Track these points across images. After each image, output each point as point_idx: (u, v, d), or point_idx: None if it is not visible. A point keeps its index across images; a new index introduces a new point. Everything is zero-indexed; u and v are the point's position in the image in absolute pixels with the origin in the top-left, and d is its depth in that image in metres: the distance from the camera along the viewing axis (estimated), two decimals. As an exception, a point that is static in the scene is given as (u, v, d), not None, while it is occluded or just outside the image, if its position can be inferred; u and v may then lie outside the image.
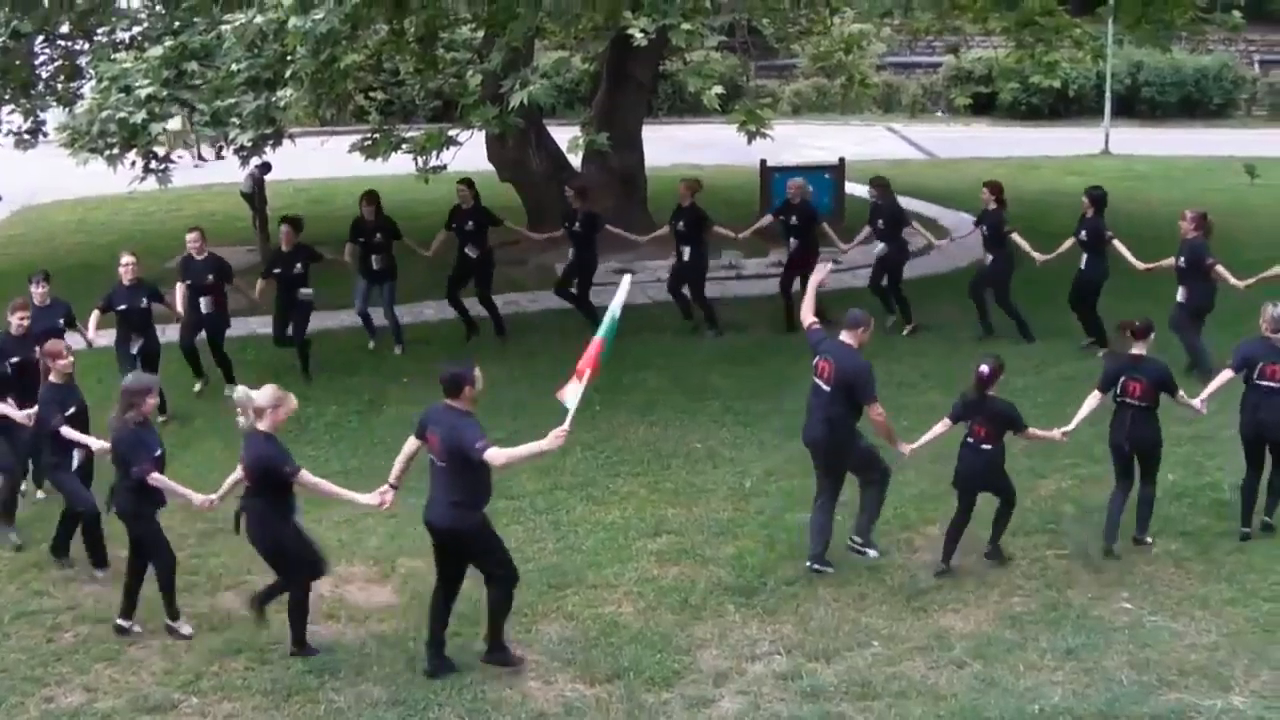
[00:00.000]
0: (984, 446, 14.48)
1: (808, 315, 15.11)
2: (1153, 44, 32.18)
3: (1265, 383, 15.09)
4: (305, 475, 12.78)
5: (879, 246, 22.92)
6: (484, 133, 22.45)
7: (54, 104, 25.88)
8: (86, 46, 25.52)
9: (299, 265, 20.93)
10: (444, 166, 20.98)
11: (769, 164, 29.92)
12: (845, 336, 14.52)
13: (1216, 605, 13.76)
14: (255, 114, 19.51)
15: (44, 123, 26.50)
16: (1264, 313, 15.47)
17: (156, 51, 20.53)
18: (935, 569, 14.54)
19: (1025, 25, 28.54)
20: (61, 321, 17.58)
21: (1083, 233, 21.67)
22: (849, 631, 13.34)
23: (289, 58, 18.24)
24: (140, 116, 19.84)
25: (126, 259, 19.18)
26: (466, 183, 22.64)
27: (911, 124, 49.37)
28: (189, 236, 20.32)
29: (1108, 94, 45.15)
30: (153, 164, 22.07)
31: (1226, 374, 15.46)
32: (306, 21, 17.26)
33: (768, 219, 23.79)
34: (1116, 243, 21.36)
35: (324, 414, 19.54)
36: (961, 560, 14.70)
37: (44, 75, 26.19)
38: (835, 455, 14.63)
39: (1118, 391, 14.98)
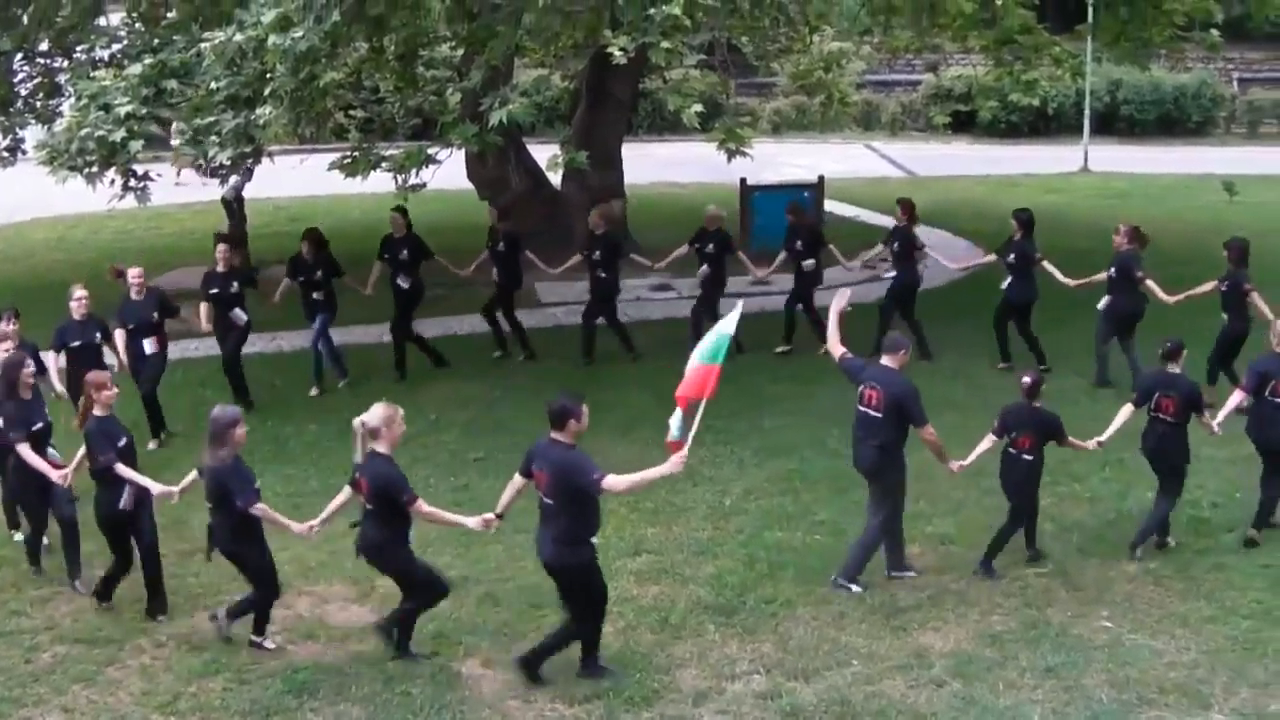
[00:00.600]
0: (1025, 456, 14.78)
1: (836, 346, 15.14)
2: (1132, 62, 32.29)
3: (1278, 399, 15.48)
4: (422, 504, 12.80)
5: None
6: (463, 151, 22.44)
7: (33, 121, 25.80)
8: (66, 64, 25.46)
9: (235, 285, 20.55)
10: (424, 185, 20.97)
11: (749, 182, 29.95)
12: (887, 360, 14.66)
13: (1196, 623, 13.79)
14: (235, 132, 19.47)
15: (23, 140, 26.43)
16: (1275, 328, 15.73)
17: (136, 69, 20.50)
18: (973, 569, 14.91)
19: (1004, 43, 28.61)
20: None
21: (1010, 255, 21.88)
22: (828, 650, 13.33)
23: (268, 75, 18.20)
24: (119, 134, 19.79)
25: (79, 293, 18.45)
26: (400, 211, 22.23)
27: (891, 142, 49.45)
28: (131, 273, 19.47)
29: (1087, 112, 45.26)
30: (131, 182, 22.02)
31: (1238, 396, 15.80)
32: (286, 39, 17.25)
33: (684, 249, 23.57)
34: (1046, 264, 21.64)
35: (303, 434, 19.51)
36: (940, 579, 14.73)
37: (23, 93, 26.11)
38: (891, 477, 14.69)
39: (1151, 406, 15.30)
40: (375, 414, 12.78)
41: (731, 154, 20.80)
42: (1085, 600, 14.29)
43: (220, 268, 20.49)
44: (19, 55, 25.53)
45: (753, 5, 22.16)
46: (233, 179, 25.89)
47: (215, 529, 13.28)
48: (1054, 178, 41.82)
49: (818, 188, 30.69)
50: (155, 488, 13.68)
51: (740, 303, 13.26)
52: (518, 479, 12.90)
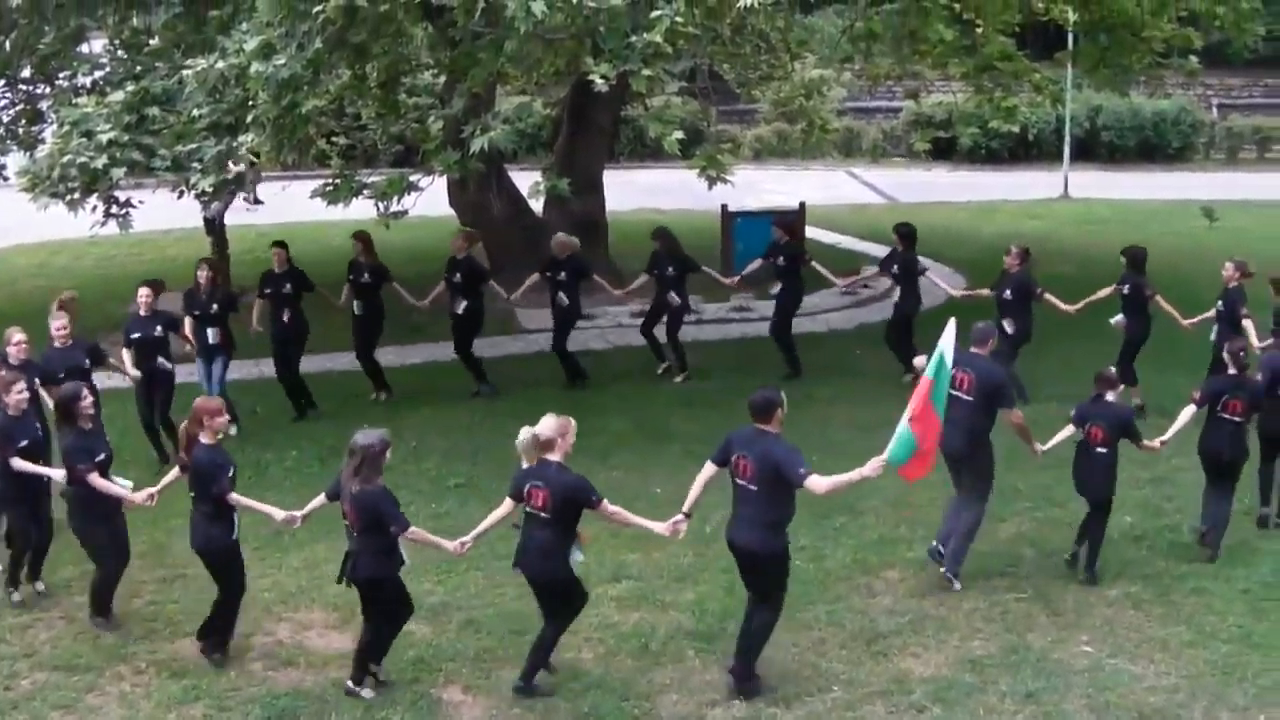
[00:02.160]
0: (1099, 450, 15.19)
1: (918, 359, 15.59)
2: (1111, 88, 32.40)
3: None
4: (607, 505, 12.89)
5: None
6: (445, 177, 22.44)
7: (15, 148, 25.77)
8: (48, 91, 25.46)
9: (159, 329, 19.45)
10: (405, 212, 20.97)
11: (730, 209, 29.99)
12: (976, 349, 15.27)
13: (1176, 648, 13.85)
14: (216, 159, 19.49)
15: (4, 167, 26.44)
16: (1230, 347, 16.36)
17: (118, 96, 20.54)
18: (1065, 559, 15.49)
19: (984, 70, 28.66)
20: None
21: (894, 267, 22.59)
22: (809, 676, 13.37)
23: (250, 103, 18.22)
24: (101, 161, 19.81)
25: (18, 337, 17.27)
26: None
27: (872, 168, 49.49)
28: (55, 325, 18.00)
29: (1067, 138, 45.34)
30: (113, 209, 22.02)
31: (1190, 410, 16.15)
32: (268, 67, 17.26)
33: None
34: (931, 274, 22.68)
35: (284, 459, 19.51)
36: (920, 603, 14.76)
37: (5, 119, 26.10)
38: (980, 460, 15.32)
39: (1218, 407, 15.82)
40: (548, 425, 12.81)
41: (713, 181, 20.83)
42: (1065, 625, 14.34)
43: (143, 311, 19.39)
44: (1, 82, 25.51)
45: (734, 32, 22.19)
46: (214, 205, 25.85)
47: (359, 555, 13.00)
48: (1034, 204, 41.93)
49: (799, 214, 30.71)
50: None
51: (953, 320, 13.69)
52: (710, 468, 13.24)
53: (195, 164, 19.64)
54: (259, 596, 15.06)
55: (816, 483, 12.49)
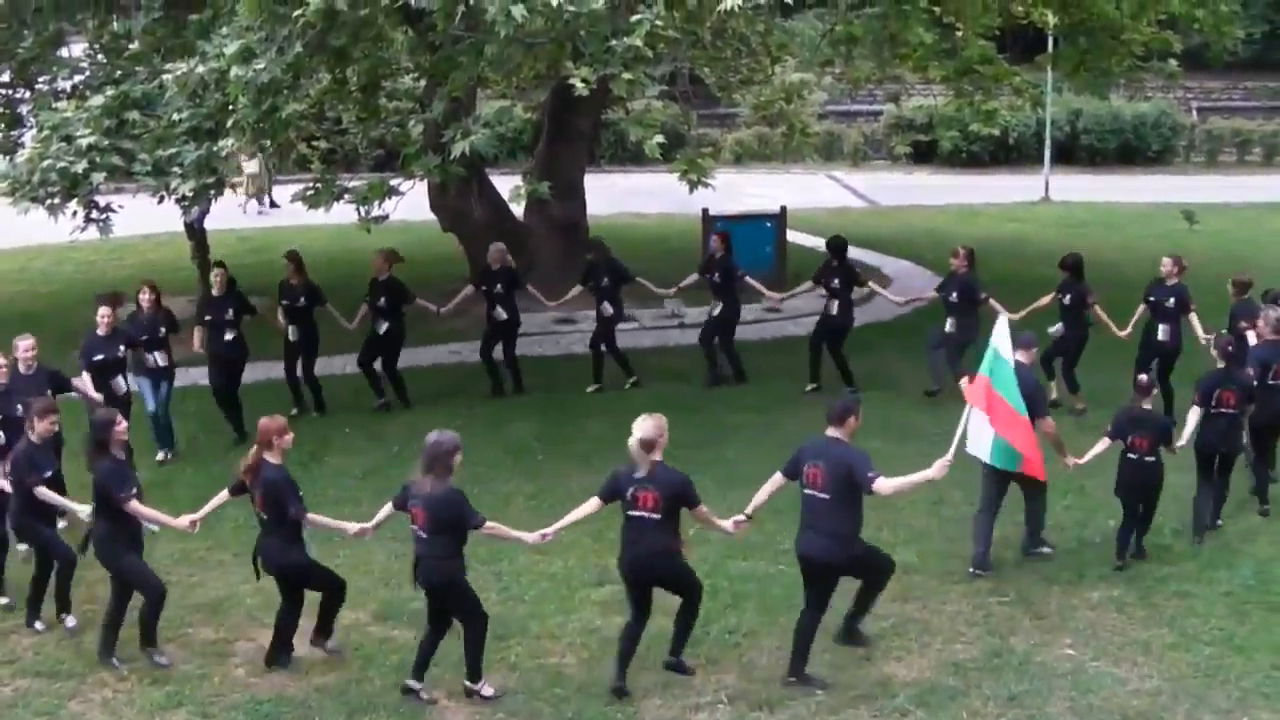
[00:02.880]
0: (1147, 459, 15.60)
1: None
2: (1091, 92, 32.49)
3: None
4: (703, 507, 13.19)
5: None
6: (426, 182, 22.40)
7: (-6, 153, 25.72)
8: (27, 95, 25.36)
9: (120, 350, 19.04)
10: (386, 216, 20.92)
11: (711, 213, 29.99)
12: (1021, 357, 15.34)
13: (1158, 650, 13.87)
14: (197, 163, 19.43)
15: (-16, 172, 26.35)
16: (1216, 342, 16.90)
17: (98, 101, 20.44)
18: (1114, 565, 15.70)
19: (965, 74, 28.74)
20: None
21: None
22: (792, 680, 13.34)
23: (231, 107, 18.18)
24: (81, 166, 19.70)
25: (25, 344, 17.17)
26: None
27: (853, 172, 49.53)
28: (21, 344, 17.12)
29: (1047, 141, 45.39)
30: (94, 214, 21.93)
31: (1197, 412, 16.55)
32: (248, 71, 17.23)
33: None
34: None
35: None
36: (903, 608, 14.76)
37: (-16, 124, 26.05)
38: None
39: (1213, 403, 16.18)
40: (647, 426, 12.94)
41: (694, 184, 20.81)
42: (1048, 628, 14.35)
43: (101, 331, 18.92)
44: (-20, 86, 25.47)
45: (714, 36, 22.15)
46: (194, 209, 25.75)
47: (428, 559, 12.96)
48: (1015, 207, 41.99)
49: (780, 218, 30.72)
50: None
51: (1004, 316, 14.87)
52: (778, 479, 13.48)
53: (175, 168, 19.56)
54: (242, 602, 15.04)
55: (883, 485, 12.83)
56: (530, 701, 13.08)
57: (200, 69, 18.06)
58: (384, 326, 22.11)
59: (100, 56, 24.07)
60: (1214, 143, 51.53)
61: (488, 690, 13.16)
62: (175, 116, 19.51)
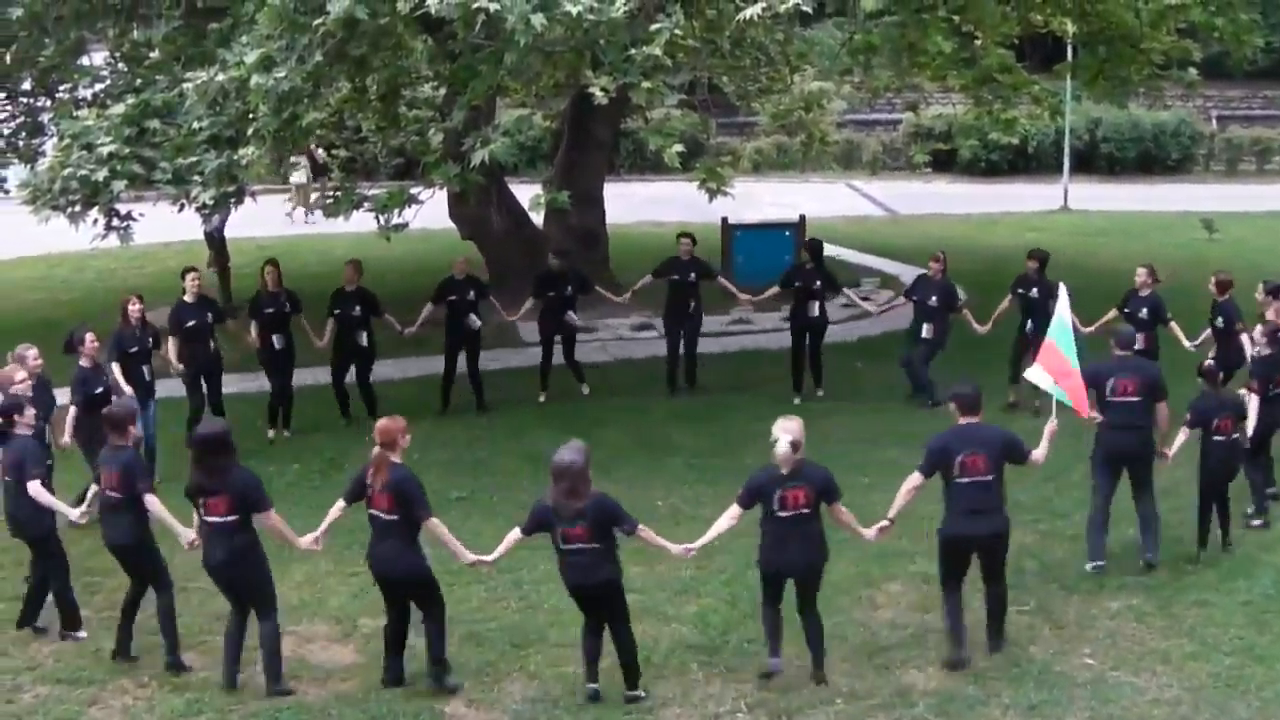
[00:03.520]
0: (1234, 436, 16.05)
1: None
2: (1111, 100, 32.46)
3: None
4: (840, 505, 13.47)
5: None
6: (445, 190, 22.44)
7: (15, 161, 25.81)
8: (48, 103, 25.48)
9: (101, 387, 17.97)
10: (406, 224, 20.96)
11: (730, 221, 30.00)
12: (1124, 352, 16.20)
13: (1178, 660, 13.82)
14: (217, 171, 19.47)
15: (4, 180, 26.44)
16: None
17: (119, 109, 20.50)
18: (1198, 557, 16.11)
19: (984, 82, 28.75)
20: None
21: (816, 283, 22.90)
22: (812, 689, 13.33)
23: (251, 115, 18.22)
24: (102, 174, 19.76)
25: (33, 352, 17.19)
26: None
27: (872, 181, 49.51)
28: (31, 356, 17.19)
29: (1066, 150, 45.35)
30: (114, 221, 22.02)
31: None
32: (268, 80, 17.27)
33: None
34: (848, 291, 23.84)
35: (285, 473, 19.49)
36: (923, 617, 14.75)
37: (5, 132, 26.14)
38: (1148, 459, 16.06)
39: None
40: (793, 427, 13.10)
41: (713, 193, 20.84)
42: (1067, 638, 14.31)
43: (85, 362, 18.27)
44: (1, 95, 25.52)
45: (734, 45, 22.18)
46: (214, 218, 25.78)
47: (584, 567, 13.03)
48: (1034, 216, 41.95)
49: (799, 227, 30.74)
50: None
51: (1063, 286, 15.64)
52: (917, 478, 13.85)
53: (196, 177, 19.61)
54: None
55: (1036, 455, 13.98)
56: (550, 709, 13.08)
57: (221, 77, 18.10)
58: (364, 337, 21.95)
59: (121, 65, 24.16)
60: (1234, 151, 51.39)
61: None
62: (196, 125, 19.58)
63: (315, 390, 22.44)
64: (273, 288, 21.42)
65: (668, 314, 23.29)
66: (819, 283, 22.47)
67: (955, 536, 13.76)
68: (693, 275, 22.92)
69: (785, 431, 13.01)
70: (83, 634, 14.69)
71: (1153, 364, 17.23)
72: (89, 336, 17.75)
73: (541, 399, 22.89)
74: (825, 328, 22.82)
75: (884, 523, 13.78)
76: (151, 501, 13.60)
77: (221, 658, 13.61)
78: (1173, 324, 20.52)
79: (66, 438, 17.23)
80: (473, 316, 22.30)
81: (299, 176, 36.38)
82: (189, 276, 20.71)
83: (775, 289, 23.36)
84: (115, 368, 18.66)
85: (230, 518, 13.08)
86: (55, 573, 14.62)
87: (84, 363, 17.78)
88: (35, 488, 14.08)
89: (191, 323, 20.33)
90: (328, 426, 21.46)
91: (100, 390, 17.58)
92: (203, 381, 20.62)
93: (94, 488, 14.22)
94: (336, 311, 21.86)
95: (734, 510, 13.39)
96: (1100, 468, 16.12)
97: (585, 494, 12.84)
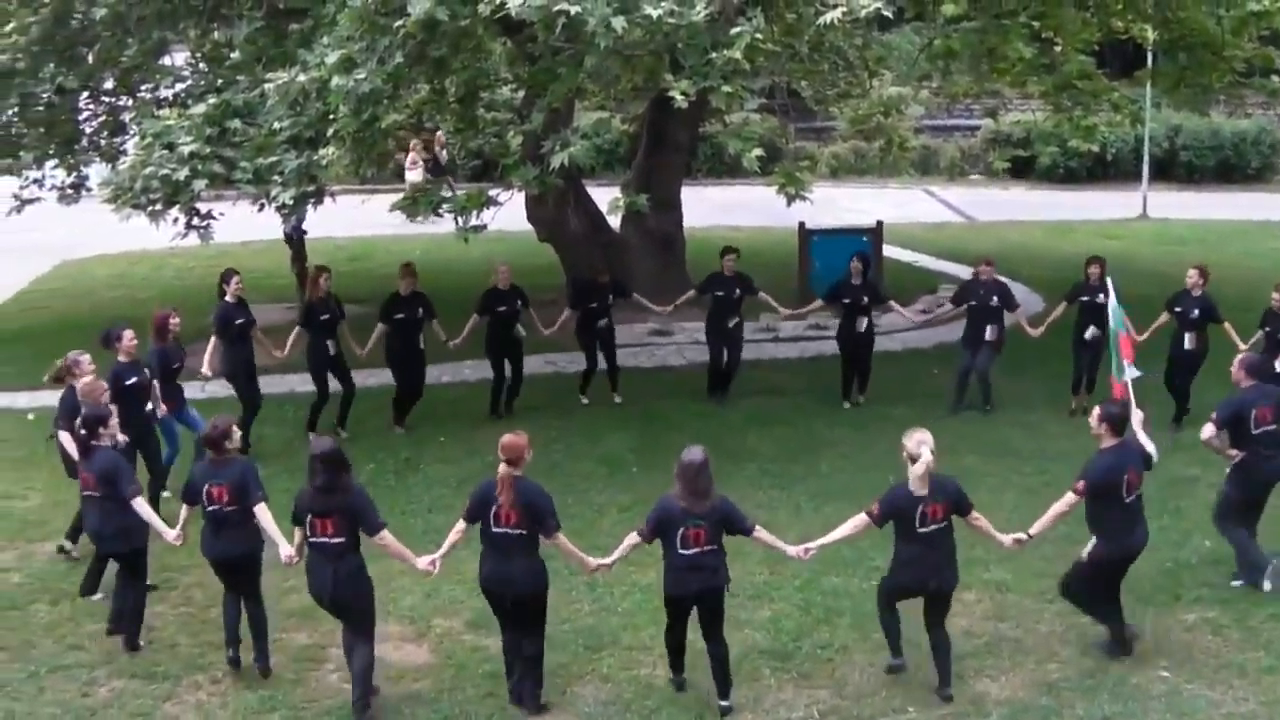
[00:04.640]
0: None
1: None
2: (1191, 108, 32.35)
3: None
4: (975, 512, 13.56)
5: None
6: (523, 193, 22.49)
7: (97, 159, 26.01)
8: (130, 103, 25.65)
9: (136, 377, 17.66)
10: (484, 226, 21.00)
11: (807, 226, 29.96)
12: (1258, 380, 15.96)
13: (1254, 673, 13.71)
14: (297, 172, 19.58)
15: (86, 178, 26.65)
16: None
17: (200, 109, 20.65)
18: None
19: (1064, 89, 28.63)
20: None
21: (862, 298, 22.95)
22: (884, 697, 13.30)
23: (331, 117, 18.30)
24: (183, 173, 19.91)
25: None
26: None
27: (949, 187, 49.37)
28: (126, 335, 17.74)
29: (1145, 157, 45.11)
30: (194, 220, 22.19)
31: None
32: (349, 81, 17.34)
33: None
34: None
35: (360, 472, 19.40)
36: (998, 626, 14.69)
37: (87, 131, 26.32)
38: None
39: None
40: (926, 439, 13.14)
41: (791, 198, 20.80)
42: (1143, 650, 14.19)
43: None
44: (84, 94, 25.74)
45: (812, 49, 22.15)
46: (293, 217, 25.90)
47: (714, 570, 13.00)
48: (1112, 224, 41.74)
49: (876, 232, 30.66)
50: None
51: (1109, 280, 17.26)
52: (1071, 497, 13.75)
53: (276, 177, 19.72)
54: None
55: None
56: (622, 713, 13.09)
57: (301, 78, 18.20)
58: (421, 340, 21.80)
59: (202, 65, 24.35)
60: (1313, 161, 51.05)
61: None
62: (276, 125, 19.69)
63: (387, 389, 22.35)
64: (405, 292, 21.42)
65: (710, 328, 23.28)
66: (866, 299, 22.45)
67: (1119, 558, 13.97)
68: (737, 291, 22.92)
69: (925, 445, 12.95)
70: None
71: None
72: (128, 334, 17.71)
73: (584, 400, 23.03)
74: (873, 341, 22.89)
75: (1021, 535, 13.72)
76: (262, 512, 13.47)
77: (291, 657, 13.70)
78: (1226, 324, 20.59)
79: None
80: (518, 327, 22.30)
81: (415, 175, 36.45)
82: (234, 279, 20.66)
83: (818, 302, 23.55)
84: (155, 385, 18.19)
85: (339, 539, 12.82)
86: (137, 586, 14.65)
87: (122, 358, 17.69)
88: (140, 503, 14.00)
89: (240, 320, 20.42)
90: (406, 427, 21.52)
91: (133, 380, 17.45)
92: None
93: (185, 509, 14.04)
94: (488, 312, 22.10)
95: (862, 520, 13.25)
96: (1248, 498, 15.83)
97: (712, 494, 12.85)
